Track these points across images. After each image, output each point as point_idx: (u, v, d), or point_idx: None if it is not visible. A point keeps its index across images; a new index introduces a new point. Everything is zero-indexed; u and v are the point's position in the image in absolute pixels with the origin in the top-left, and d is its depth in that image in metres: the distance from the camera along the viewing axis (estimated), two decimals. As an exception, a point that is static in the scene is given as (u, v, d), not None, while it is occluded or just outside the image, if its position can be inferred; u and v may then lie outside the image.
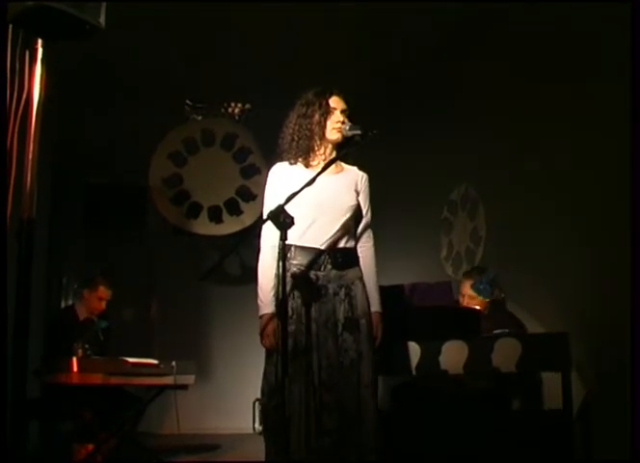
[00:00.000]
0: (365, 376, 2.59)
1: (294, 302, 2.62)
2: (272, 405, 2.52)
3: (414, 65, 5.43)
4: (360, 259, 2.78)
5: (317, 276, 2.67)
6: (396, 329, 2.94)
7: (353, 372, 2.58)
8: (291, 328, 2.57)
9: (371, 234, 2.84)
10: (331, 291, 2.66)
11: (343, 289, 2.68)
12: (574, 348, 3.24)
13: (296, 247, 2.68)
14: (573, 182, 4.03)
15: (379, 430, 2.57)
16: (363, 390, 2.58)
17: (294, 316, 2.60)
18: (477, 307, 4.04)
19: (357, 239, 2.81)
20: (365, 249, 2.80)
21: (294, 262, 2.66)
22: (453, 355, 3.27)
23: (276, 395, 2.49)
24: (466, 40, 4.96)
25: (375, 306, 2.74)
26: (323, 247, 2.68)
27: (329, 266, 2.68)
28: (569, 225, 4.05)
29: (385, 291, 2.88)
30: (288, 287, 2.56)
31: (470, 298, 4.15)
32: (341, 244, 2.72)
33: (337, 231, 2.70)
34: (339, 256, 2.70)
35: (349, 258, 2.74)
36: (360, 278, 2.73)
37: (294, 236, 2.63)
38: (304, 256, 2.67)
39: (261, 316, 2.67)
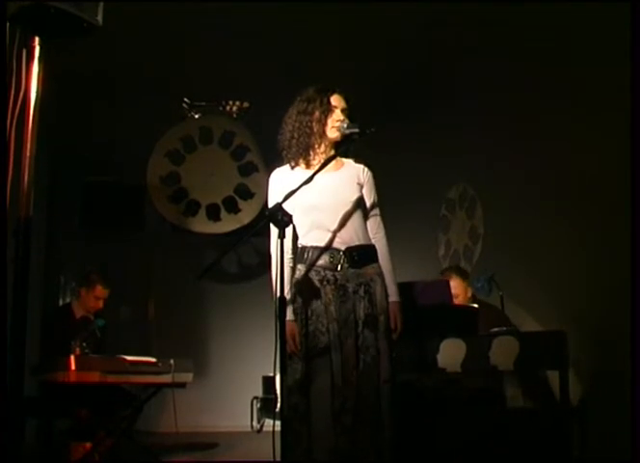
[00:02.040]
0: (384, 373, 2.59)
1: (313, 303, 2.62)
2: (290, 404, 2.51)
3: (414, 64, 5.41)
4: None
5: (335, 276, 2.66)
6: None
7: (373, 369, 2.58)
8: (310, 328, 2.59)
9: (381, 225, 2.81)
10: (350, 290, 2.65)
11: (362, 287, 2.66)
12: (572, 346, 3.24)
13: (311, 248, 2.68)
14: (573, 182, 4.03)
15: (397, 427, 2.57)
16: (383, 386, 2.58)
17: (313, 317, 2.61)
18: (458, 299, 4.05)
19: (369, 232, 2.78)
20: (377, 240, 2.77)
21: (311, 263, 2.66)
22: (451, 353, 3.28)
23: (294, 395, 2.51)
24: (465, 40, 4.95)
25: (393, 296, 2.71)
26: (338, 245, 2.67)
27: (345, 265, 2.67)
28: (567, 223, 4.05)
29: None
30: (306, 288, 2.61)
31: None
32: (356, 241, 2.69)
33: (343, 227, 2.68)
34: (355, 254, 2.68)
35: (366, 255, 2.71)
36: (379, 274, 2.70)
37: (305, 238, 2.69)
38: (320, 256, 2.67)
39: None
